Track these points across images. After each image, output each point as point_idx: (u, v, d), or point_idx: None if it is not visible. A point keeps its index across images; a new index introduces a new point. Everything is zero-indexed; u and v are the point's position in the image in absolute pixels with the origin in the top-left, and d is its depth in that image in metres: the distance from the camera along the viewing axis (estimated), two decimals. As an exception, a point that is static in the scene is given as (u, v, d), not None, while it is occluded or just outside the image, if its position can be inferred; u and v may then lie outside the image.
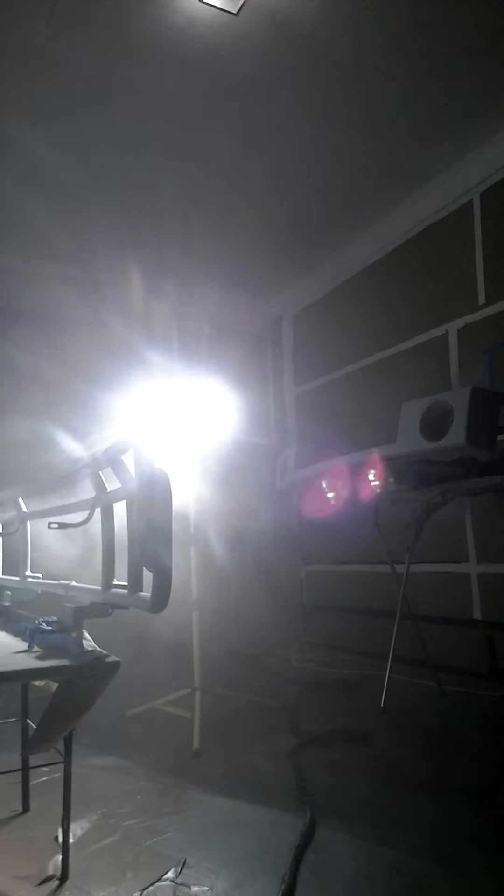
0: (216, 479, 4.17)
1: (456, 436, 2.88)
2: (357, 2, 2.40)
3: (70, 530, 1.78)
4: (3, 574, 2.47)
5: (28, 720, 1.88)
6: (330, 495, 4.43)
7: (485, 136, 3.26)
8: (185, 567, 2.89)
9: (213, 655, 3.14)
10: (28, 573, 2.21)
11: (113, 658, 1.44)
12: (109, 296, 4.44)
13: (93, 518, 1.69)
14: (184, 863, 1.60)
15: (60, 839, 1.62)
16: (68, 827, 1.58)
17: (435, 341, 3.75)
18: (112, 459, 1.56)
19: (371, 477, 3.90)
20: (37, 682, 1.62)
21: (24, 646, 1.58)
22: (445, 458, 2.95)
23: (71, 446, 3.74)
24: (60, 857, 1.58)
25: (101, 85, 2.75)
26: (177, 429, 2.97)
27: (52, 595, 1.97)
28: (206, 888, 1.50)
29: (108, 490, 1.65)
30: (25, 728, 1.90)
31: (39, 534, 2.26)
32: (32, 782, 1.98)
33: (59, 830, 1.64)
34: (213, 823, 1.85)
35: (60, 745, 1.57)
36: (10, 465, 3.54)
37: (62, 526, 1.76)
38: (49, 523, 1.79)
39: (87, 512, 1.71)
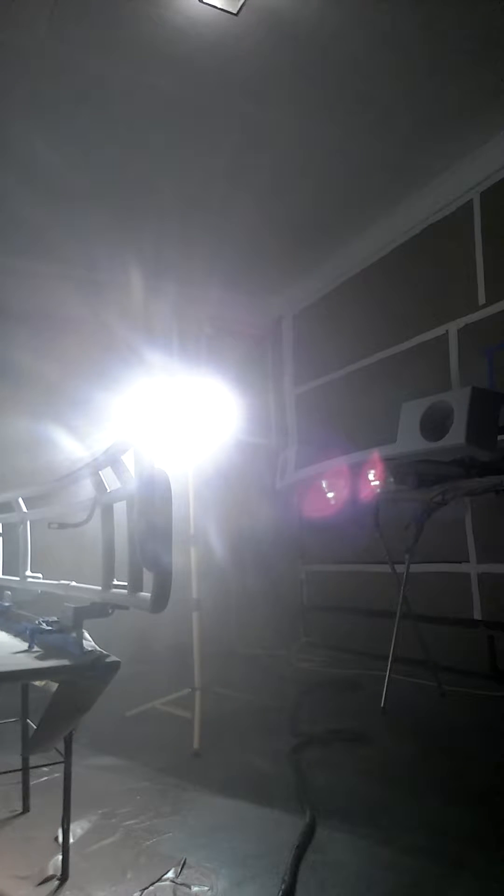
0: (216, 480, 4.18)
1: (456, 436, 2.87)
2: (357, 2, 2.40)
3: (71, 530, 1.78)
4: (3, 574, 2.47)
5: (28, 720, 1.88)
6: (330, 495, 4.43)
7: (485, 136, 3.26)
8: (185, 567, 2.89)
9: (213, 655, 3.14)
10: (28, 573, 2.21)
11: (113, 658, 1.44)
12: (109, 296, 4.45)
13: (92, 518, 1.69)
14: (184, 863, 1.60)
15: (60, 839, 1.62)
16: (68, 827, 1.58)
17: (435, 341, 3.75)
18: (112, 459, 1.56)
19: (371, 477, 3.90)
20: (37, 682, 1.62)
21: (24, 646, 1.58)
22: (445, 458, 2.95)
23: (71, 446, 3.75)
24: (60, 857, 1.58)
25: (101, 85, 2.75)
26: (177, 429, 2.97)
27: (52, 595, 1.97)
28: (206, 888, 1.50)
29: (108, 490, 1.65)
30: (25, 728, 1.90)
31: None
32: (32, 782, 1.98)
33: (59, 830, 1.64)
34: (213, 823, 1.85)
35: (60, 745, 1.57)
36: (10, 465, 3.54)
37: (62, 526, 1.76)
38: (49, 523, 1.79)
39: (87, 512, 1.71)
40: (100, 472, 1.69)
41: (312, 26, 2.49)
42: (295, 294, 5.03)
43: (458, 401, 2.93)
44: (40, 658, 1.46)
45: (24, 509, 2.28)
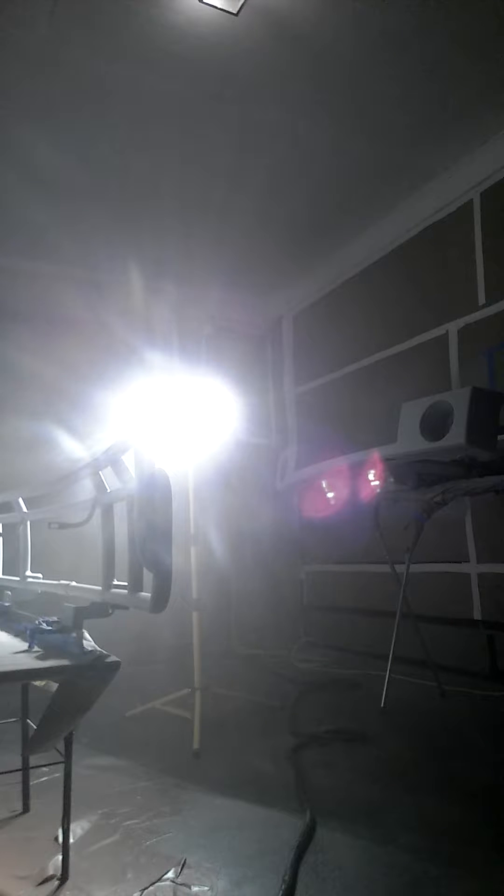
0: (216, 479, 4.18)
1: (456, 436, 2.88)
2: (357, 2, 2.40)
3: (71, 530, 1.78)
4: (3, 574, 2.47)
5: (28, 720, 1.88)
6: (330, 495, 4.43)
7: (485, 136, 3.26)
8: (185, 567, 2.89)
9: (213, 655, 3.14)
10: (28, 573, 2.21)
11: (113, 658, 1.44)
12: (109, 296, 4.45)
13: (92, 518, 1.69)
14: (184, 863, 1.60)
15: (60, 839, 1.62)
16: (68, 827, 1.58)
17: (435, 341, 3.75)
18: (112, 459, 1.56)
19: (371, 477, 3.91)
20: (37, 682, 1.62)
21: (24, 646, 1.58)
22: (445, 458, 2.95)
23: (71, 446, 3.75)
24: (60, 857, 1.58)
25: (101, 85, 2.75)
26: (177, 429, 2.97)
27: (52, 595, 1.97)
28: (206, 888, 1.50)
29: (109, 490, 1.65)
30: (25, 728, 1.90)
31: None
32: (32, 782, 1.98)
33: (59, 830, 1.64)
34: (213, 823, 1.85)
35: (60, 745, 1.57)
36: (10, 465, 3.54)
37: (62, 526, 1.76)
38: (49, 523, 1.79)
39: (87, 512, 1.71)
40: (100, 472, 1.69)
41: (312, 26, 2.49)
42: (295, 294, 5.03)
43: (458, 401, 2.93)
44: (40, 658, 1.46)
45: (24, 509, 2.28)
